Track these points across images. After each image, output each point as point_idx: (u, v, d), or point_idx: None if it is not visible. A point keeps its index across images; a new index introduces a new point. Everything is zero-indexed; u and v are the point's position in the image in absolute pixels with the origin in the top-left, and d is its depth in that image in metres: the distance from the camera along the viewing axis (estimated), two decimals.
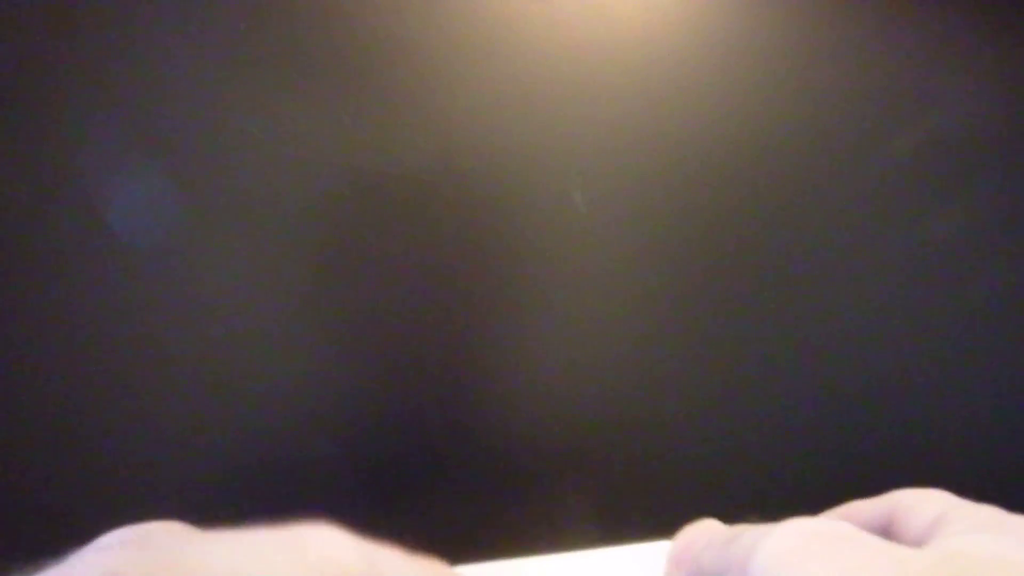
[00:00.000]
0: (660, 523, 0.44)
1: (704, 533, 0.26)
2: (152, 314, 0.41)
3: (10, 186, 0.41)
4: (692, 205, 0.46)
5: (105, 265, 0.41)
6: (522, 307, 0.44)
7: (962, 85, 0.48)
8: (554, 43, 0.45)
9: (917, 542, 0.21)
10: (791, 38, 0.47)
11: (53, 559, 0.18)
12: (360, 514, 0.42)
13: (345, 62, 0.44)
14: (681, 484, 0.46)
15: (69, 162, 0.42)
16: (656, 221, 0.45)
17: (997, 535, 0.19)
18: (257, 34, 0.44)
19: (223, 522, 0.21)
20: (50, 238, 0.41)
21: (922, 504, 0.22)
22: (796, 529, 0.20)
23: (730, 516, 0.31)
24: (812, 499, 0.45)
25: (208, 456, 0.41)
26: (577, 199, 0.44)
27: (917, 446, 0.47)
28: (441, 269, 0.43)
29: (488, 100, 0.44)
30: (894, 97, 0.48)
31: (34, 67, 0.42)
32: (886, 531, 0.25)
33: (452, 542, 0.43)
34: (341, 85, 0.44)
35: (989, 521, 0.20)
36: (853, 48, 0.48)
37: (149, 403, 0.41)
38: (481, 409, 0.43)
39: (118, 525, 0.21)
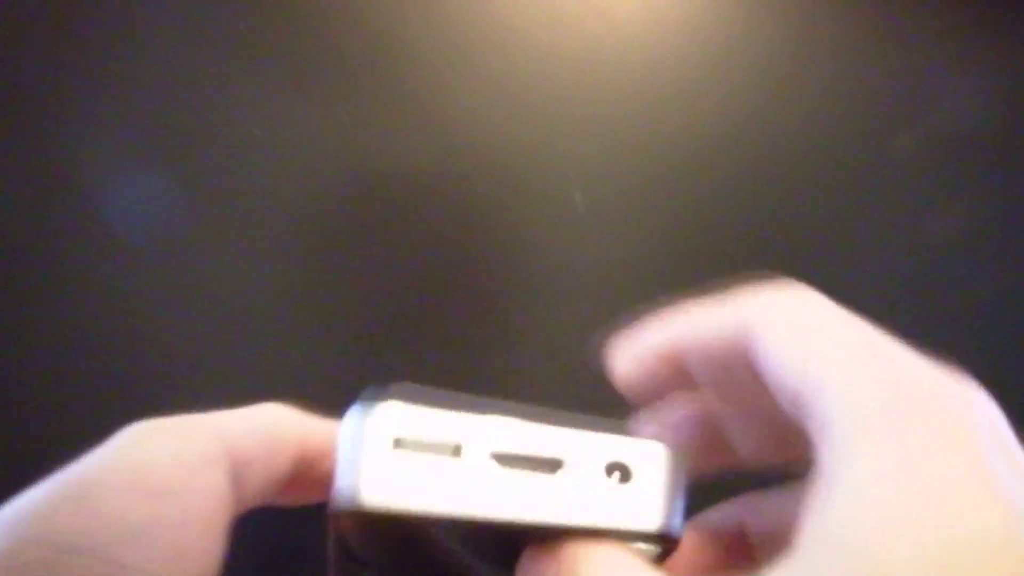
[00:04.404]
0: None
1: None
2: (152, 314, 0.41)
3: (10, 186, 0.41)
4: (692, 205, 0.46)
5: (105, 265, 0.41)
6: (522, 307, 0.44)
7: (962, 85, 0.48)
8: (554, 43, 0.45)
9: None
10: (791, 38, 0.47)
11: None
12: None
13: (345, 62, 0.44)
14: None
15: (69, 162, 0.42)
16: (656, 221, 0.45)
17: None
18: (257, 34, 0.44)
19: None
20: (50, 238, 0.41)
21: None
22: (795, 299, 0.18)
23: None
24: None
25: None
26: (577, 200, 0.44)
27: None
28: (441, 269, 0.43)
29: (488, 100, 0.44)
30: (894, 97, 0.48)
31: (34, 67, 0.42)
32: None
33: None
34: (341, 85, 0.44)
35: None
36: (853, 48, 0.48)
37: (149, 403, 0.41)
38: None
39: None
